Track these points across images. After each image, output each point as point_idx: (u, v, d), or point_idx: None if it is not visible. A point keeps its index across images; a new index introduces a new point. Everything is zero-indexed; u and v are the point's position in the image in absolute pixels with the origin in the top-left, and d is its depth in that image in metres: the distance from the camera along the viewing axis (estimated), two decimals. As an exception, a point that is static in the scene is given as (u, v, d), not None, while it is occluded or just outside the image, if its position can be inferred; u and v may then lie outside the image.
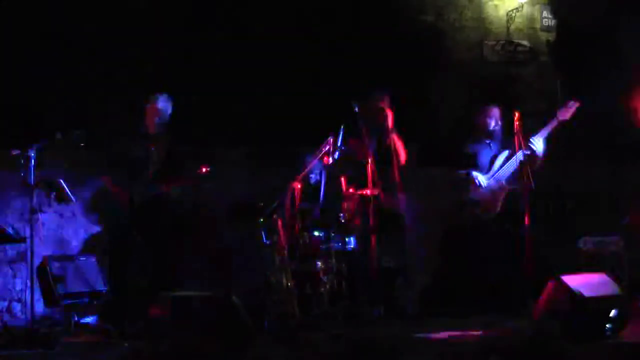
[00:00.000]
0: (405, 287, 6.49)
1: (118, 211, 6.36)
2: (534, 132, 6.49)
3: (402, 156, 6.53)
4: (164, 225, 6.44)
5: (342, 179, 6.64)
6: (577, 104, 6.44)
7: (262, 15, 7.98)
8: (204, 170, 6.29)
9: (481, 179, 6.66)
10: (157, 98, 6.42)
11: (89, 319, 6.71)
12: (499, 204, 6.59)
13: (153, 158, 6.40)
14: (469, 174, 6.74)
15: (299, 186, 6.46)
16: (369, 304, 6.18)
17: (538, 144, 6.46)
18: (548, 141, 6.60)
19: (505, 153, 6.49)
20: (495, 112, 6.84)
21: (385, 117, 6.52)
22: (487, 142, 6.80)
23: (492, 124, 6.76)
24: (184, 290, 5.93)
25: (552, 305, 5.50)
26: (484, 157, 6.72)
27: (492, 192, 6.62)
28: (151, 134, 6.45)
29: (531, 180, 6.24)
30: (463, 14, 8.61)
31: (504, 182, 6.53)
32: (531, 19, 8.74)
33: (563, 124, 6.49)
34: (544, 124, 6.55)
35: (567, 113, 6.48)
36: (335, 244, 6.61)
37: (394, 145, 6.44)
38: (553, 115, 6.52)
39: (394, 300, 6.48)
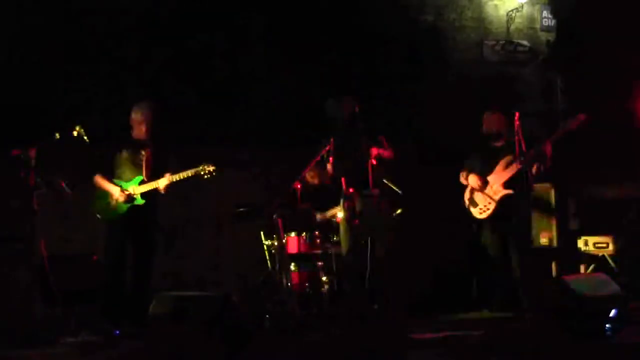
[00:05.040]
0: (405, 287, 6.48)
1: (114, 212, 6.43)
2: (540, 140, 6.50)
3: (390, 157, 6.51)
4: (150, 226, 6.55)
5: (342, 179, 6.64)
6: (583, 118, 6.46)
7: (262, 14, 7.98)
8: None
9: (476, 181, 6.68)
10: (144, 106, 6.49)
11: (88, 319, 6.71)
12: (493, 207, 6.61)
13: (144, 163, 6.51)
14: (467, 177, 6.77)
15: (299, 186, 6.46)
16: (369, 304, 6.18)
17: (546, 150, 6.48)
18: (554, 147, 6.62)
19: (508, 157, 6.51)
20: (496, 117, 6.83)
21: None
22: (490, 145, 6.81)
23: (495, 128, 6.77)
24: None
25: (552, 305, 5.50)
26: (486, 160, 6.73)
27: (487, 194, 6.64)
28: (140, 140, 6.53)
29: (531, 182, 6.26)
30: (463, 14, 8.61)
31: (500, 185, 6.56)
32: (531, 19, 8.75)
33: (567, 134, 6.51)
34: (549, 132, 6.56)
35: (572, 125, 6.49)
36: (335, 244, 6.61)
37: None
38: (559, 126, 6.53)
39: (393, 300, 6.48)
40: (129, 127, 6.58)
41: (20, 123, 7.14)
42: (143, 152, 6.54)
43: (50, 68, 7.45)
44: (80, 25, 7.56)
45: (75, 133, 6.28)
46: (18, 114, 7.27)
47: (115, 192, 6.44)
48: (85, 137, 6.29)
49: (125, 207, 6.42)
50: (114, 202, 6.45)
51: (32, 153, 6.07)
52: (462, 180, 6.90)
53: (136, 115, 6.55)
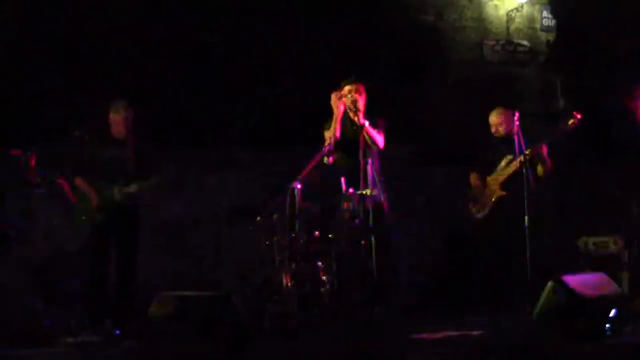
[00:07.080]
0: (404, 287, 6.49)
1: (91, 212, 6.40)
2: (536, 141, 6.49)
3: (379, 143, 6.44)
4: (133, 226, 6.54)
5: (342, 179, 6.64)
6: (579, 118, 6.45)
7: (261, 14, 7.99)
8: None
9: (475, 180, 6.70)
10: (122, 106, 6.50)
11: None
12: (489, 207, 6.61)
13: (127, 161, 6.49)
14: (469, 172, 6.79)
15: (299, 186, 6.45)
16: (369, 304, 6.18)
17: (543, 152, 6.49)
18: (552, 147, 6.61)
19: (509, 156, 6.51)
20: (507, 114, 6.84)
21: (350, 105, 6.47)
22: (496, 143, 6.81)
23: (503, 126, 6.77)
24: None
25: (552, 305, 5.50)
26: (490, 158, 6.74)
27: (486, 192, 6.66)
28: (121, 139, 6.52)
29: (533, 182, 6.26)
30: (463, 14, 8.61)
31: (497, 186, 6.58)
32: (531, 19, 8.75)
33: (564, 135, 6.50)
34: (546, 133, 6.57)
35: (570, 126, 6.48)
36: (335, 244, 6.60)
37: (366, 135, 6.34)
38: (555, 126, 6.53)
39: (394, 300, 6.48)
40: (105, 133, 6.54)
41: (20, 123, 7.15)
42: (126, 151, 6.50)
43: (50, 68, 7.46)
44: (80, 25, 7.57)
45: (75, 133, 6.31)
46: (18, 114, 7.27)
47: (94, 196, 6.39)
48: (86, 137, 6.32)
49: (115, 203, 6.36)
50: (94, 210, 6.38)
51: (32, 153, 6.09)
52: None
53: (115, 115, 6.52)
